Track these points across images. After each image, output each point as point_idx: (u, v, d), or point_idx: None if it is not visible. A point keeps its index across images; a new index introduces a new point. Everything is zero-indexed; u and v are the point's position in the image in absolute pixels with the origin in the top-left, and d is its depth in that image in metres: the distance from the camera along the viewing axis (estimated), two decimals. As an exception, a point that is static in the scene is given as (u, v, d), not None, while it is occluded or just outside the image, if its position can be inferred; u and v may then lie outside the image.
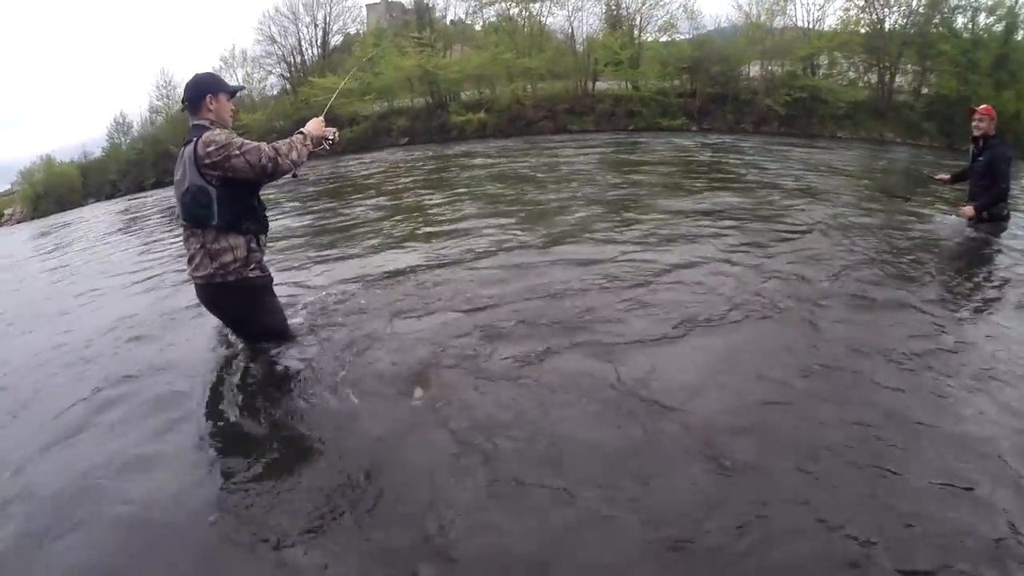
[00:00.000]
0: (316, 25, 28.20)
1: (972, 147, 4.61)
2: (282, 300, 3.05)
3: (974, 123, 4.50)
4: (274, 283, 2.88)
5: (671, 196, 6.79)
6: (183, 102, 2.68)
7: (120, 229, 10.93)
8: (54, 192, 26.63)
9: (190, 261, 2.69)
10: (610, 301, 3.25)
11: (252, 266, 2.71)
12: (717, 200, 6.27)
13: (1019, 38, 18.84)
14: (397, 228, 5.98)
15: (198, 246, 2.63)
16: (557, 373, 2.49)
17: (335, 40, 29.05)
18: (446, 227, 5.66)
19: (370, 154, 20.05)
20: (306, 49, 28.50)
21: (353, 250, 5.13)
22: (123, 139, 28.61)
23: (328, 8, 28.14)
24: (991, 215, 4.53)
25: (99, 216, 15.71)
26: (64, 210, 23.85)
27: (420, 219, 6.35)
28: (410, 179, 11.11)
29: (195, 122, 2.63)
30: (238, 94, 2.93)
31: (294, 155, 2.63)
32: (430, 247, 4.86)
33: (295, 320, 3.19)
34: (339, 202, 8.80)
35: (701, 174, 9.02)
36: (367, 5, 33.29)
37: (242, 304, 2.77)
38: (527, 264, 4.04)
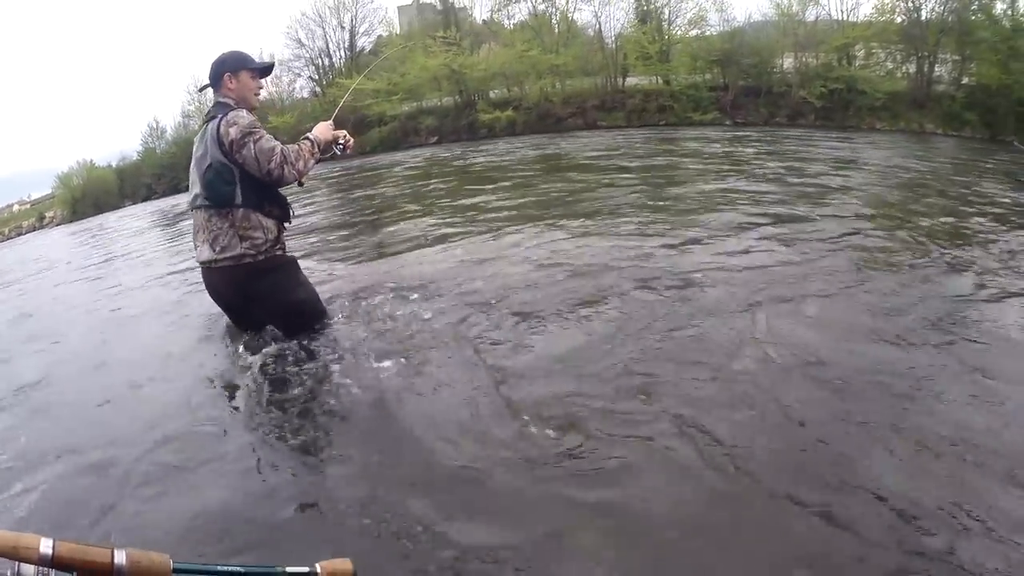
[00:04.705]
0: (343, 28, 28.47)
1: None
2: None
3: None
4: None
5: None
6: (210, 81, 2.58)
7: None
8: (91, 195, 27.28)
9: (213, 243, 2.48)
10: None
11: (279, 246, 2.62)
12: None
13: (1062, 23, 18.27)
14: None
15: (226, 225, 2.46)
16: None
17: (362, 42, 29.31)
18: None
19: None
20: (334, 52, 28.79)
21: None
22: (157, 143, 29.22)
23: (354, 11, 28.40)
24: None
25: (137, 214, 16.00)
26: (101, 212, 24.37)
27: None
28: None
29: (218, 99, 2.55)
30: (272, 71, 2.81)
31: (300, 164, 2.48)
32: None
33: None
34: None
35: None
36: (398, 7, 33.47)
37: (275, 283, 2.59)
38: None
